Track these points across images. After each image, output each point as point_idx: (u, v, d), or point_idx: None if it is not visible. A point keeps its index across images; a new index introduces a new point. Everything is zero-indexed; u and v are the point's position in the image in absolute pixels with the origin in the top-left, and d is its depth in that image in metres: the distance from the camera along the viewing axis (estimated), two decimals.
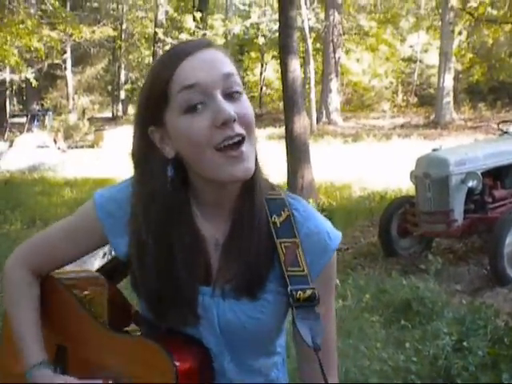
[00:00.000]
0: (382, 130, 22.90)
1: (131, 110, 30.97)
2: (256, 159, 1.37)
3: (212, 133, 1.30)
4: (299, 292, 1.37)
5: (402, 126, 23.95)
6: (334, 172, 12.86)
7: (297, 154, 9.89)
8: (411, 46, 31.55)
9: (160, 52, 28.93)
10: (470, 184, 6.47)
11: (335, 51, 24.11)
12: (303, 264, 1.41)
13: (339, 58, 25.09)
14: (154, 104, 1.36)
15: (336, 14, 23.53)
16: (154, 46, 29.30)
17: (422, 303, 5.11)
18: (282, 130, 22.59)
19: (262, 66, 31.05)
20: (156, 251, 1.41)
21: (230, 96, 1.32)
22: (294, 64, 9.45)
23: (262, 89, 31.18)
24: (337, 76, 25.07)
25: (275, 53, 30.71)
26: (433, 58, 29.01)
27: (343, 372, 3.86)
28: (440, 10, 22.51)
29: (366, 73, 31.55)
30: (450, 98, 22.38)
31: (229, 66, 1.36)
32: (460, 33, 26.41)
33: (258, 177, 1.42)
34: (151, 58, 30.26)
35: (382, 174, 12.26)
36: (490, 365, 4.12)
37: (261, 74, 31.11)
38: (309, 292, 1.38)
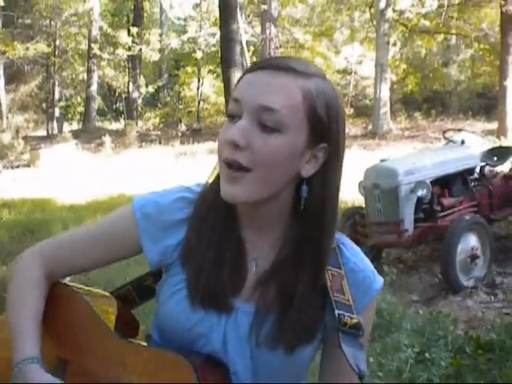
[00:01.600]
0: None
1: (66, 127, 30.45)
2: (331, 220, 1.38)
3: (225, 146, 1.31)
4: (347, 317, 1.34)
5: None
6: None
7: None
8: (346, 58, 31.88)
9: (95, 68, 28.62)
10: (420, 193, 6.48)
11: None
12: (348, 295, 1.38)
13: None
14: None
15: (272, 27, 23.63)
16: (88, 62, 28.93)
17: (380, 315, 5.05)
18: None
19: (198, 80, 30.90)
20: (210, 246, 1.41)
21: (263, 126, 1.28)
22: (237, 77, 9.34)
23: (199, 103, 31.02)
24: None
25: (212, 67, 30.75)
26: (367, 70, 29.40)
27: None
28: (375, 22, 22.79)
29: None
30: (386, 109, 22.64)
31: (278, 102, 1.28)
32: (394, 44, 26.83)
33: (309, 213, 1.38)
34: (85, 75, 29.85)
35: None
36: (454, 375, 4.09)
37: (198, 88, 30.94)
38: (355, 320, 1.35)
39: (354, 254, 1.46)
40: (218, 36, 24.27)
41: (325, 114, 1.33)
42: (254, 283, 1.40)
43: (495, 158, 7.49)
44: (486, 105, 28.52)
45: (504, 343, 4.42)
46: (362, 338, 1.35)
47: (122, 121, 28.92)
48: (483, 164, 7.52)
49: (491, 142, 7.95)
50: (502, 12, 16.97)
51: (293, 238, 1.39)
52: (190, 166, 16.65)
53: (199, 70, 30.44)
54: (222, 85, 31.12)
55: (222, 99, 32.75)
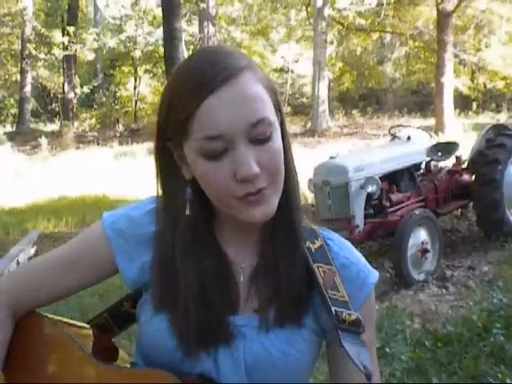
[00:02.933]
0: None
1: (0, 129, 29.73)
2: (294, 186, 1.32)
3: (233, 185, 1.19)
4: (345, 314, 1.26)
5: None
6: None
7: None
8: (283, 57, 32.04)
9: (28, 69, 27.98)
10: (370, 189, 6.53)
11: None
12: (343, 291, 1.30)
13: None
14: (173, 130, 1.23)
15: (210, 26, 23.56)
16: (21, 63, 28.28)
17: None
18: None
19: (135, 80, 30.58)
20: (186, 275, 1.28)
21: (258, 141, 1.19)
22: None
23: (136, 103, 30.69)
24: None
25: (148, 67, 30.47)
26: (304, 68, 29.63)
27: None
28: (312, 21, 22.95)
29: None
30: (325, 106, 22.85)
31: (260, 108, 1.19)
32: (331, 42, 27.08)
33: (295, 207, 1.32)
34: (19, 76, 29.18)
35: None
36: (415, 369, 4.12)
37: (134, 88, 30.61)
38: (354, 316, 1.26)
39: (344, 248, 1.37)
40: (156, 35, 24.23)
41: (274, 87, 1.27)
42: (247, 292, 1.32)
43: (440, 154, 7.60)
44: (420, 102, 29.11)
45: (461, 335, 4.49)
46: (363, 334, 1.27)
47: (57, 122, 28.37)
48: (429, 159, 7.63)
49: (436, 138, 8.03)
50: (438, 10, 17.31)
51: (268, 235, 1.33)
52: (131, 167, 16.47)
53: (136, 69, 30.12)
54: (159, 84, 31.31)
55: (159, 98, 32.58)
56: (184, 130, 1.20)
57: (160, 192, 1.33)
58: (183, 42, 21.58)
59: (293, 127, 25.19)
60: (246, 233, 1.33)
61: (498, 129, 7.96)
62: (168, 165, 1.29)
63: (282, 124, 1.28)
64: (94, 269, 1.37)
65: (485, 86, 25.66)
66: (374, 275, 1.37)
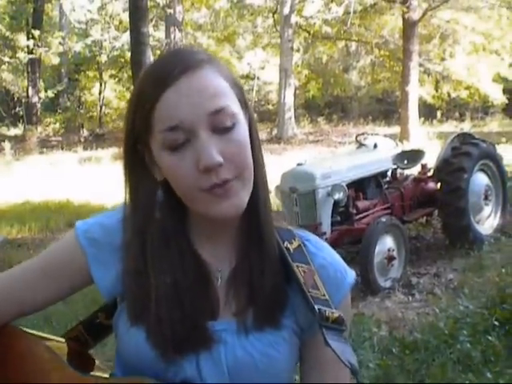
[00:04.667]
0: None
1: None
2: (263, 185, 1.30)
3: (197, 176, 1.18)
4: (328, 312, 1.24)
5: None
6: None
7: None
8: (249, 64, 32.06)
9: None
10: (337, 196, 6.54)
11: None
12: (323, 290, 1.29)
13: None
14: (139, 127, 1.23)
15: (177, 31, 23.49)
16: None
17: None
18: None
19: (100, 85, 30.35)
20: (158, 282, 1.25)
21: (220, 131, 1.18)
22: None
23: (101, 108, 30.47)
24: None
25: (114, 71, 30.27)
26: (270, 75, 29.67)
27: None
28: (279, 28, 23.02)
29: None
30: (291, 113, 22.91)
31: (220, 97, 1.20)
32: (298, 50, 27.18)
33: (262, 205, 1.30)
34: None
35: None
36: (383, 376, 4.12)
37: (100, 93, 30.39)
38: (337, 314, 1.25)
39: (321, 249, 1.37)
40: (122, 40, 24.07)
41: (238, 83, 1.28)
42: (225, 297, 1.30)
43: (406, 161, 7.66)
44: (385, 110, 29.40)
45: (428, 343, 4.51)
46: (346, 332, 1.26)
47: (21, 126, 28.02)
48: (395, 167, 7.67)
49: (402, 146, 8.09)
50: (403, 19, 17.49)
51: (242, 232, 1.32)
52: (95, 172, 16.34)
53: (101, 74, 29.92)
54: (124, 89, 31.16)
55: (124, 104, 32.36)
56: (148, 126, 1.21)
57: (128, 198, 1.30)
58: (150, 48, 21.58)
59: (261, 134, 25.23)
60: (220, 233, 1.32)
61: (464, 137, 8.04)
62: (137, 167, 1.28)
63: (250, 120, 1.28)
64: (69, 279, 1.33)
65: (449, 95, 25.96)
66: (351, 275, 1.37)
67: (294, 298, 1.30)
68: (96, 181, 14.37)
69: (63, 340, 1.46)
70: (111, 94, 32.14)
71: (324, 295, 1.28)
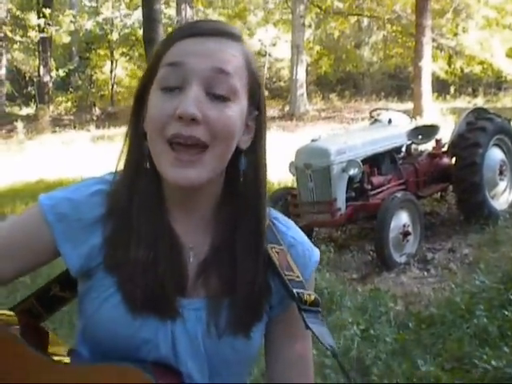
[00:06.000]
0: None
1: None
2: (263, 174, 1.31)
3: (169, 122, 1.17)
4: (305, 295, 1.26)
5: None
6: None
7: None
8: (260, 40, 31.88)
9: (3, 52, 27.64)
10: (351, 172, 6.54)
11: None
12: (296, 271, 1.30)
13: None
14: (149, 70, 1.24)
15: (188, 8, 23.36)
16: None
17: (320, 294, 5.06)
18: None
19: (112, 63, 30.27)
20: (139, 234, 1.24)
21: (213, 95, 1.18)
22: None
23: (113, 87, 30.42)
24: None
25: (125, 49, 30.18)
26: (281, 52, 29.48)
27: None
28: (290, 4, 22.84)
29: None
30: (303, 90, 22.76)
31: (232, 66, 1.20)
32: (309, 26, 26.99)
33: (247, 187, 1.30)
34: None
35: None
36: (400, 351, 4.13)
37: (111, 71, 30.32)
38: (313, 296, 1.28)
39: (289, 228, 1.38)
40: (134, 17, 23.96)
41: (258, 80, 1.29)
42: (195, 275, 1.28)
43: (420, 137, 7.63)
44: (397, 86, 29.12)
45: (444, 317, 4.51)
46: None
47: (33, 106, 28.04)
48: (409, 142, 7.64)
49: (416, 121, 8.05)
50: None
51: (224, 217, 1.31)
52: (108, 151, 16.29)
53: (112, 52, 29.83)
54: (135, 67, 31.08)
55: (135, 82, 32.31)
56: (154, 69, 1.23)
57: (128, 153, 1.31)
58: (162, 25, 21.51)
59: (271, 111, 25.13)
60: (194, 209, 1.30)
61: (479, 112, 7.98)
62: (133, 117, 1.29)
63: (260, 123, 1.30)
64: (34, 255, 1.29)
65: (462, 70, 25.73)
66: (317, 253, 1.40)
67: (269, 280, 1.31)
68: (109, 159, 14.23)
69: (12, 313, 1.42)
70: (122, 73, 32.07)
71: (298, 277, 1.30)
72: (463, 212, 7.65)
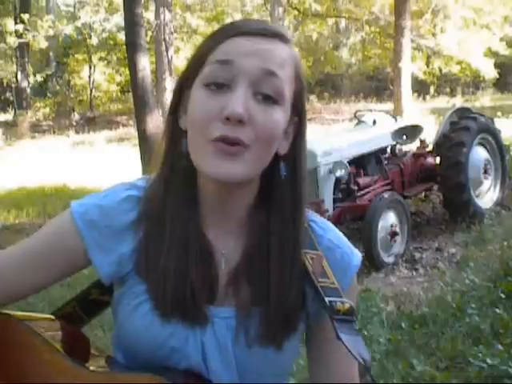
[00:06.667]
0: None
1: None
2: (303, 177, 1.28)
3: (214, 122, 1.14)
4: (338, 303, 1.21)
5: None
6: None
7: (151, 155, 9.61)
8: None
9: None
10: (338, 173, 6.53)
11: (168, 50, 23.83)
12: (332, 277, 1.25)
13: (172, 57, 24.86)
14: (193, 64, 1.21)
15: (166, 12, 23.26)
16: None
17: None
18: (119, 133, 22.42)
19: (90, 68, 30.12)
20: (172, 238, 1.22)
21: (261, 97, 1.16)
22: (143, 62, 9.14)
23: (91, 91, 30.26)
24: (171, 75, 24.79)
25: (103, 54, 30.04)
26: None
27: None
28: (268, 6, 22.87)
29: None
30: None
31: (281, 69, 1.17)
32: (288, 28, 27.03)
33: (285, 193, 1.27)
34: None
35: None
36: (395, 351, 4.13)
37: (89, 76, 30.17)
38: (347, 305, 1.22)
39: (327, 230, 1.33)
40: (113, 21, 23.84)
41: (303, 87, 1.27)
42: (227, 282, 1.25)
43: (405, 137, 7.65)
44: (376, 87, 29.29)
45: (437, 316, 4.53)
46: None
47: (11, 112, 27.82)
48: (394, 143, 7.67)
49: (401, 122, 8.08)
50: None
51: (258, 223, 1.27)
52: (89, 156, 16.30)
53: (90, 57, 29.68)
54: (114, 72, 30.95)
55: (114, 87, 32.17)
56: (201, 62, 1.19)
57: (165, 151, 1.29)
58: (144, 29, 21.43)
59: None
60: (226, 211, 1.27)
61: (462, 112, 8.04)
62: (172, 112, 1.27)
63: (299, 130, 1.27)
64: (64, 262, 1.27)
65: (440, 70, 25.89)
66: (358, 258, 1.34)
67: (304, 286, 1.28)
68: (90, 164, 14.33)
69: (53, 317, 1.42)
70: (101, 77, 31.91)
71: (333, 283, 1.25)
72: (449, 211, 7.71)
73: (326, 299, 1.22)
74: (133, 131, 21.04)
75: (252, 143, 1.16)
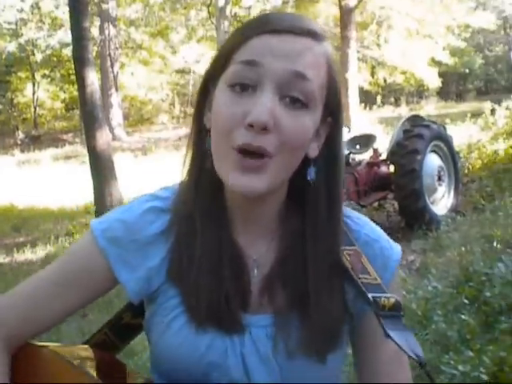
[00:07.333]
0: (168, 142, 22.88)
1: None
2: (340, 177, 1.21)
3: (237, 128, 1.07)
4: (383, 299, 1.13)
5: (187, 137, 24.18)
6: (135, 187, 12.51)
7: (102, 172, 9.45)
8: (183, 58, 31.83)
9: None
10: None
11: (113, 66, 23.68)
12: (373, 273, 1.18)
13: (117, 73, 24.70)
14: (218, 62, 1.14)
15: (111, 27, 23.14)
16: None
17: None
18: (65, 150, 22.11)
19: (33, 85, 29.70)
20: (203, 244, 1.16)
21: (289, 101, 1.07)
22: (92, 77, 8.96)
23: (35, 109, 29.83)
24: (117, 91, 24.64)
25: (46, 71, 29.66)
26: (206, 69, 29.48)
27: None
28: (214, 20, 22.87)
29: (141, 86, 31.39)
30: None
31: (313, 70, 1.08)
32: None
33: (318, 196, 1.20)
34: None
35: None
36: None
37: (33, 94, 29.74)
38: (393, 299, 1.14)
39: (363, 225, 1.26)
40: (57, 38, 23.56)
41: (337, 85, 1.17)
42: (260, 289, 1.19)
43: (358, 147, 7.68)
44: None
45: None
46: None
47: None
48: (347, 152, 7.67)
49: (355, 131, 8.12)
50: (340, 6, 17.53)
51: (290, 228, 1.21)
52: (35, 174, 16.03)
53: (33, 74, 29.28)
54: (58, 89, 30.55)
55: (58, 104, 31.78)
56: (226, 60, 1.12)
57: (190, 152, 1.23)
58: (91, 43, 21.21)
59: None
60: (255, 216, 1.21)
61: (414, 120, 8.11)
62: (196, 112, 1.22)
63: (333, 125, 1.19)
64: (91, 285, 1.21)
65: (385, 80, 26.26)
66: (398, 251, 1.28)
67: (343, 285, 1.21)
68: (37, 183, 14.08)
69: (86, 346, 1.35)
70: (44, 95, 31.53)
71: (375, 279, 1.18)
72: (405, 219, 7.74)
73: (370, 295, 1.14)
74: (80, 148, 20.83)
75: (276, 151, 1.08)
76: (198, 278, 1.15)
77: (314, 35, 1.11)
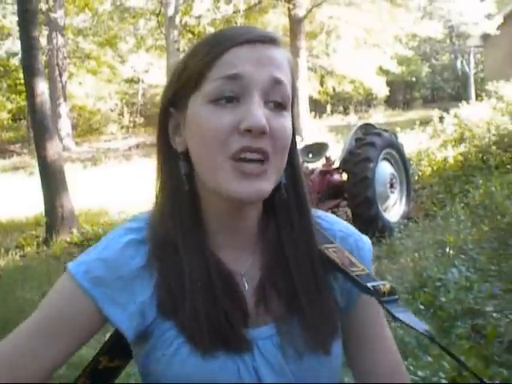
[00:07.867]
0: (118, 152, 22.70)
1: None
2: (300, 175, 1.26)
3: (231, 136, 1.08)
4: (380, 286, 1.16)
5: (137, 147, 24.01)
6: (86, 198, 12.38)
7: (53, 183, 9.33)
8: (132, 67, 31.64)
9: None
10: None
11: (61, 75, 23.42)
12: (359, 264, 1.22)
13: (66, 82, 24.43)
14: (186, 82, 1.14)
15: (59, 36, 22.87)
16: None
17: None
18: (13, 161, 21.74)
19: None
20: (192, 273, 1.15)
21: (272, 105, 1.11)
22: (42, 87, 8.86)
23: None
24: (65, 100, 24.37)
25: None
26: (155, 78, 29.36)
27: None
28: (163, 30, 22.79)
29: (90, 96, 31.11)
30: None
31: (285, 74, 1.13)
32: (184, 51, 26.99)
33: (289, 199, 1.24)
34: None
35: (137, 193, 12.00)
36: None
37: None
38: (388, 285, 1.17)
39: (334, 222, 1.32)
40: (4, 47, 23.19)
41: (295, 88, 1.23)
42: (256, 302, 1.20)
43: (310, 155, 7.71)
44: None
45: None
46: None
47: None
48: (301, 161, 7.68)
49: (306, 140, 8.17)
50: (290, 16, 17.66)
51: (270, 236, 1.24)
52: None
53: None
54: (4, 99, 30.04)
55: (5, 114, 31.23)
56: (200, 78, 1.12)
57: (158, 175, 1.23)
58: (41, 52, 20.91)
59: (149, 138, 24.95)
60: (236, 229, 1.21)
61: (366, 128, 8.19)
62: (162, 139, 1.21)
63: (292, 123, 1.21)
64: (79, 330, 1.14)
65: (334, 89, 26.52)
66: (368, 241, 1.33)
67: (333, 281, 1.26)
68: None
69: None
70: None
71: (364, 270, 1.21)
72: (358, 226, 7.61)
73: (370, 284, 1.16)
74: (28, 159, 20.54)
75: (271, 154, 1.11)
76: (193, 308, 1.14)
77: (276, 42, 1.16)
